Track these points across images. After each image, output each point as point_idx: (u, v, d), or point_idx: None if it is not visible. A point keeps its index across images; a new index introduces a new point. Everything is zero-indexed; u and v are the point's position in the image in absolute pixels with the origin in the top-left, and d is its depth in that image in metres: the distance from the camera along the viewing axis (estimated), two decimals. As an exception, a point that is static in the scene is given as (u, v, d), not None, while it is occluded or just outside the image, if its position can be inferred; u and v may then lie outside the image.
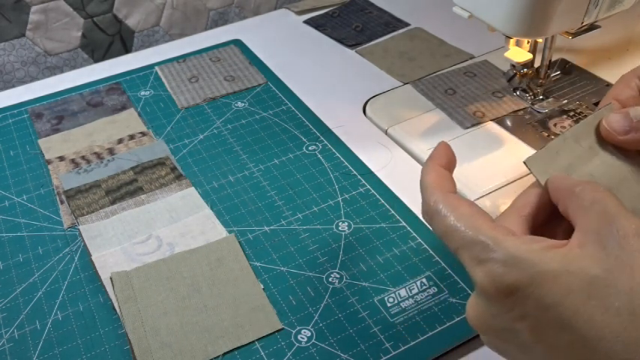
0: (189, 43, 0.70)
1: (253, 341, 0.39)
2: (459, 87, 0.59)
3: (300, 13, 0.74)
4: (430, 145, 0.53)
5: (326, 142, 0.55)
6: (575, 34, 0.51)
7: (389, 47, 0.67)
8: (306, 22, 0.73)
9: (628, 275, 0.25)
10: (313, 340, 0.39)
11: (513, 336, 0.28)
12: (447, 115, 0.56)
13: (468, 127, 0.54)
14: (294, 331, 0.40)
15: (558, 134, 0.54)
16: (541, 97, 0.57)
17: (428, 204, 0.32)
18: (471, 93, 0.58)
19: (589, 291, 0.25)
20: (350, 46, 0.68)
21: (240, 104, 0.60)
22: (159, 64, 0.66)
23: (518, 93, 0.58)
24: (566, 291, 0.25)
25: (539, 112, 0.56)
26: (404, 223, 0.47)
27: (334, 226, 0.47)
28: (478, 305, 0.29)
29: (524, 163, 0.31)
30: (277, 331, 0.40)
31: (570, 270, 0.26)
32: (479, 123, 0.55)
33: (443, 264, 0.43)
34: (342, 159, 0.53)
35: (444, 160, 0.34)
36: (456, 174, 0.50)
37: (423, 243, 0.45)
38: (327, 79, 0.64)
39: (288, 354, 0.39)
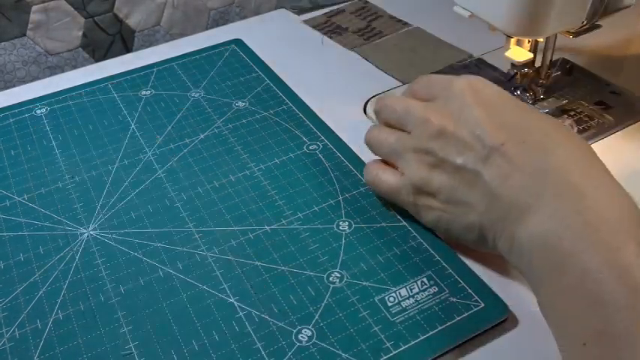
0: (189, 42, 0.70)
1: (254, 340, 0.39)
2: None
3: (299, 12, 0.74)
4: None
5: (326, 141, 0.55)
6: (576, 34, 0.51)
7: (388, 47, 0.67)
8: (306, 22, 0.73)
9: None
10: (314, 340, 0.39)
11: (467, 116, 0.40)
12: None
13: None
14: (294, 331, 0.40)
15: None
16: (541, 96, 0.57)
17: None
18: None
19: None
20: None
21: (240, 104, 0.60)
22: (159, 63, 0.66)
23: (518, 92, 0.58)
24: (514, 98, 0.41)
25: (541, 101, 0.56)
26: (404, 223, 0.47)
27: (335, 226, 0.47)
28: (436, 101, 0.43)
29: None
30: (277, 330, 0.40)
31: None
32: None
33: (443, 263, 0.43)
34: (342, 158, 0.53)
35: None
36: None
37: (424, 242, 0.45)
38: (327, 78, 0.64)
39: (289, 353, 0.39)
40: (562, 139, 0.37)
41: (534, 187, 0.35)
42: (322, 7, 0.75)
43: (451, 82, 0.42)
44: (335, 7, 0.75)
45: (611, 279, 0.30)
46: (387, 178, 0.45)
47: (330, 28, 0.72)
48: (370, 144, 0.47)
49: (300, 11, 0.74)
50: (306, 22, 0.73)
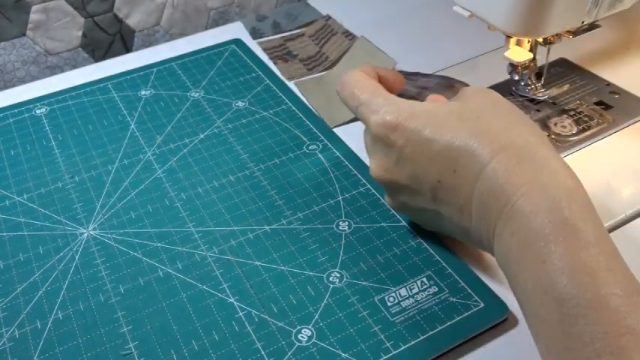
0: (189, 42, 0.70)
1: (253, 340, 0.39)
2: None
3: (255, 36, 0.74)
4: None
5: (326, 141, 0.55)
6: (575, 34, 0.51)
7: (323, 82, 0.62)
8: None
9: (473, 111, 0.39)
10: (314, 340, 0.39)
11: (402, 165, 0.40)
12: None
13: None
14: (294, 330, 0.40)
15: (559, 134, 0.54)
16: (542, 89, 0.57)
17: (342, 79, 0.44)
18: None
19: (447, 116, 0.39)
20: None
21: (240, 104, 0.60)
22: (159, 63, 0.66)
23: (522, 84, 0.57)
24: (431, 117, 0.39)
25: (541, 102, 0.56)
26: (404, 223, 0.47)
27: (334, 226, 0.47)
28: (375, 154, 0.42)
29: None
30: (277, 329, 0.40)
31: (434, 108, 0.40)
32: None
33: (443, 263, 0.43)
34: (342, 158, 0.53)
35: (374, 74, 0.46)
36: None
37: (424, 242, 0.45)
38: (327, 78, 0.63)
39: (289, 353, 0.39)
40: (490, 156, 0.36)
41: (486, 215, 0.36)
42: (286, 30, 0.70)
43: (368, 121, 0.41)
44: (297, 31, 0.70)
45: (536, 296, 0.32)
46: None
47: (280, 52, 0.67)
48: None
49: (257, 35, 0.70)
50: (260, 43, 0.69)
